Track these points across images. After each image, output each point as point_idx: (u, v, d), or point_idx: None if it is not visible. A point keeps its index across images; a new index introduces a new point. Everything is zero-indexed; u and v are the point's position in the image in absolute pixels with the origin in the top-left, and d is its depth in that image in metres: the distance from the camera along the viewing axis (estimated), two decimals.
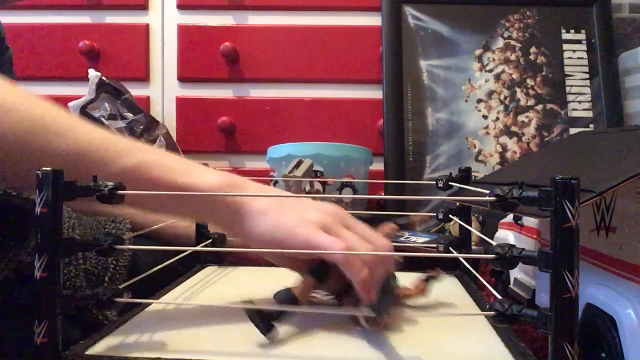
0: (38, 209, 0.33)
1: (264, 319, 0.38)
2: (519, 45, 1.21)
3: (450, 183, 0.62)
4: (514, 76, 1.20)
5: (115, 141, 0.44)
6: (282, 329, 0.40)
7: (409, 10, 1.22)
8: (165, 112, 1.26)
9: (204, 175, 0.45)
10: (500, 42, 1.21)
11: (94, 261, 0.52)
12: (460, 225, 0.62)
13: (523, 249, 0.33)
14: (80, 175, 0.36)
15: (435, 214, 0.66)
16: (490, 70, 1.21)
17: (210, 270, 0.61)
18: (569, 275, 0.30)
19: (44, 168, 0.34)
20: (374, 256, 0.42)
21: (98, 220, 0.57)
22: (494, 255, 0.34)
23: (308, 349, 0.37)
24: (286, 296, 0.41)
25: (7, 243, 0.43)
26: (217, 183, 0.45)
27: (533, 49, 1.21)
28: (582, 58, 1.20)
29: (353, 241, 0.42)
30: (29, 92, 0.44)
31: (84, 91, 1.11)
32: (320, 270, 0.42)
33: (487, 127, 1.18)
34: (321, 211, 0.45)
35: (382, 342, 0.38)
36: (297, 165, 0.73)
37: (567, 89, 1.19)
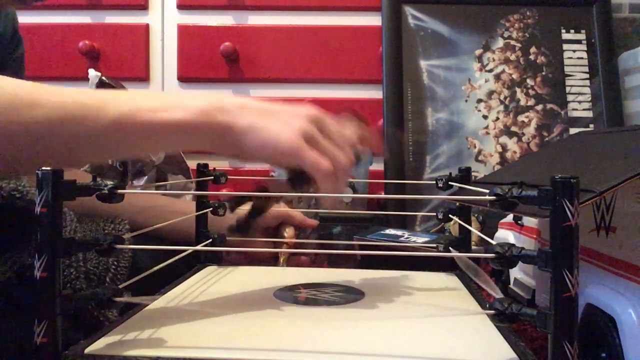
0: (38, 209, 0.33)
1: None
2: (519, 45, 1.21)
3: (450, 183, 0.62)
4: (514, 76, 1.20)
5: (87, 100, 0.44)
6: (279, 323, 0.40)
7: (409, 10, 1.22)
8: None
9: (185, 105, 0.46)
10: (500, 42, 1.21)
11: (94, 262, 0.52)
12: (460, 225, 0.62)
13: (523, 248, 0.33)
14: (62, 141, 0.36)
15: (435, 214, 0.66)
16: (490, 70, 1.21)
17: (210, 270, 0.61)
18: (568, 274, 0.30)
19: (43, 168, 0.34)
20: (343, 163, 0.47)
21: (97, 222, 0.57)
22: (494, 255, 0.34)
23: (305, 344, 0.37)
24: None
25: (11, 245, 0.43)
26: (200, 110, 0.46)
27: (533, 49, 1.21)
28: (582, 58, 1.20)
29: (331, 152, 0.47)
30: None
31: None
32: (300, 179, 0.48)
33: (487, 127, 1.18)
34: (303, 119, 0.47)
35: (381, 339, 0.38)
36: None
37: (567, 89, 1.19)
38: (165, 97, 0.48)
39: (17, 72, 0.76)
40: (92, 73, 1.12)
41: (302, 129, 0.46)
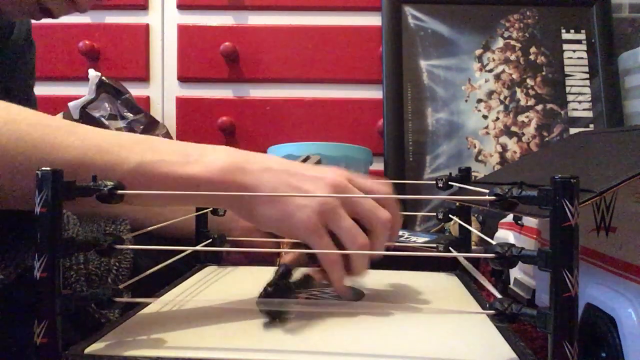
0: (38, 209, 0.33)
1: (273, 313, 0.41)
2: (519, 45, 1.21)
3: (450, 183, 0.62)
4: (514, 76, 1.20)
5: (109, 145, 0.43)
6: (279, 324, 0.40)
7: (409, 10, 1.22)
8: (165, 112, 1.26)
9: (206, 160, 0.44)
10: (500, 42, 1.21)
11: (96, 263, 0.52)
12: (460, 225, 0.62)
13: (523, 248, 0.33)
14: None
15: (435, 214, 0.66)
16: (490, 70, 1.21)
17: (210, 270, 0.61)
18: (568, 274, 0.30)
19: (43, 168, 0.34)
20: (364, 247, 0.45)
21: (98, 223, 0.57)
22: (494, 255, 0.34)
23: (305, 344, 0.37)
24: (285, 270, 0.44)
25: (16, 247, 0.43)
26: (221, 168, 0.44)
27: (533, 49, 1.21)
28: (582, 58, 1.20)
29: (349, 236, 0.44)
30: (10, 107, 0.43)
31: (84, 91, 1.11)
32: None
33: (487, 127, 1.18)
34: (324, 192, 0.45)
35: (381, 339, 0.38)
36: (305, 161, 0.73)
37: (567, 89, 1.19)
38: (188, 148, 0.46)
39: (27, 78, 0.75)
40: (92, 73, 1.12)
41: (323, 205, 0.44)
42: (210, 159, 0.44)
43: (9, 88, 0.71)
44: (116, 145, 0.43)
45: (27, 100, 0.75)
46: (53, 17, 0.61)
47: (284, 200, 0.44)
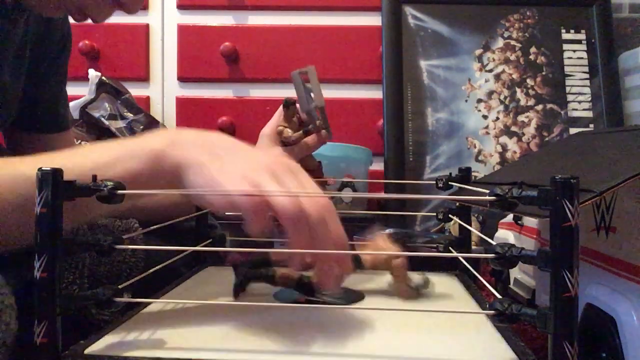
0: (38, 209, 0.33)
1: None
2: (519, 45, 1.21)
3: (450, 183, 0.62)
4: (514, 76, 1.20)
5: (61, 161, 0.41)
6: (279, 324, 0.40)
7: (409, 10, 1.22)
8: (165, 112, 1.26)
9: (142, 148, 0.44)
10: (500, 42, 1.21)
11: (107, 267, 0.52)
12: (460, 225, 0.62)
13: (523, 249, 0.33)
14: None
15: (435, 214, 0.66)
16: (490, 70, 1.21)
17: (210, 270, 0.61)
18: (568, 274, 0.30)
19: (43, 168, 0.34)
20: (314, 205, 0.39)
21: (109, 229, 0.57)
22: (494, 255, 0.34)
23: (305, 345, 0.37)
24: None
25: (23, 261, 0.43)
26: (157, 147, 0.44)
27: (533, 49, 1.21)
28: (582, 58, 1.20)
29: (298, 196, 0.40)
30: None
31: (84, 91, 1.11)
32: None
33: (487, 127, 1.18)
34: (252, 164, 0.42)
35: (381, 340, 0.38)
36: (302, 74, 0.75)
37: (567, 89, 1.19)
38: (120, 147, 0.45)
39: (62, 80, 0.75)
40: (92, 73, 1.12)
41: (252, 171, 0.41)
42: (140, 149, 0.44)
43: (37, 99, 0.71)
44: (62, 159, 0.43)
45: (55, 116, 0.74)
46: (94, 20, 0.61)
47: (210, 167, 0.42)
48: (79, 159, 0.44)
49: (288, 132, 0.73)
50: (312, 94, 0.74)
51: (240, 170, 0.41)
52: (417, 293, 0.48)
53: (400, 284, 0.47)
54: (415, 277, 0.48)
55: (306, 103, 0.73)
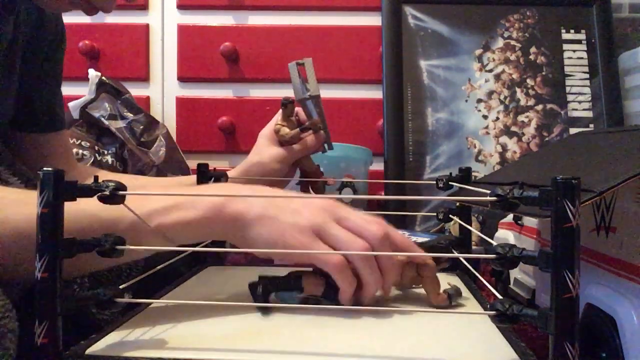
0: (39, 209, 0.33)
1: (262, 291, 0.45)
2: (519, 45, 1.21)
3: (450, 183, 0.62)
4: (514, 76, 1.20)
5: (103, 210, 0.41)
6: (280, 324, 0.40)
7: (409, 10, 1.22)
8: (165, 112, 1.26)
9: (201, 200, 0.45)
10: (500, 42, 1.21)
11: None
12: (460, 225, 0.62)
13: (524, 249, 0.33)
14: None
15: (435, 214, 0.66)
16: (490, 70, 1.21)
17: (210, 270, 0.61)
18: (569, 275, 0.30)
19: (45, 168, 0.34)
20: (366, 249, 0.44)
21: None
22: (495, 255, 0.34)
23: (307, 344, 0.37)
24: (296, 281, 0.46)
25: None
26: (215, 202, 0.45)
27: (533, 49, 1.21)
28: (582, 58, 1.20)
29: (345, 241, 0.44)
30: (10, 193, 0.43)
31: (84, 91, 1.11)
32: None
33: (487, 127, 1.18)
34: (312, 211, 0.45)
35: (382, 338, 0.38)
36: (299, 65, 0.76)
37: (567, 89, 1.19)
38: (176, 195, 0.47)
39: (57, 79, 0.75)
40: (92, 73, 1.12)
41: (313, 220, 0.44)
42: (199, 200, 0.45)
43: (33, 99, 0.71)
44: (109, 209, 0.42)
45: (51, 115, 0.74)
46: (103, 11, 0.61)
47: (275, 218, 0.45)
48: (138, 202, 0.43)
49: (285, 130, 0.73)
50: (307, 85, 0.75)
51: (305, 221, 0.44)
52: (450, 302, 0.47)
53: (433, 292, 0.47)
54: (446, 286, 0.48)
55: (300, 92, 0.74)
